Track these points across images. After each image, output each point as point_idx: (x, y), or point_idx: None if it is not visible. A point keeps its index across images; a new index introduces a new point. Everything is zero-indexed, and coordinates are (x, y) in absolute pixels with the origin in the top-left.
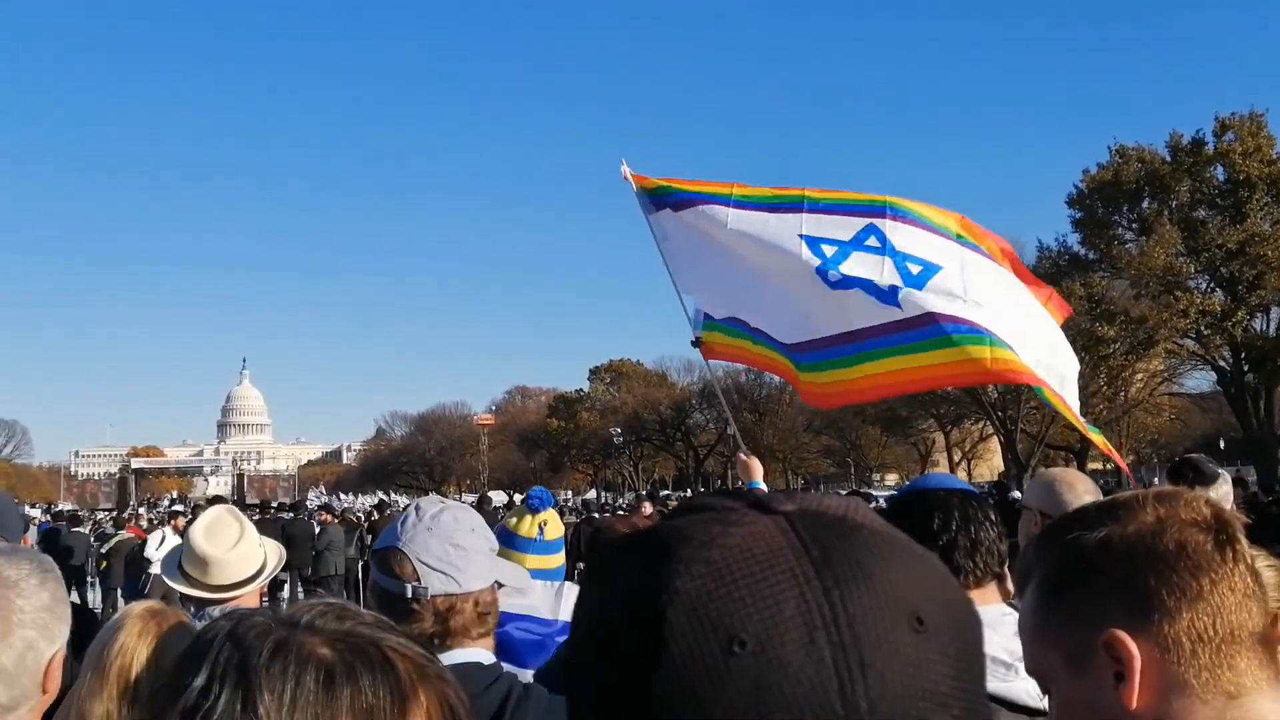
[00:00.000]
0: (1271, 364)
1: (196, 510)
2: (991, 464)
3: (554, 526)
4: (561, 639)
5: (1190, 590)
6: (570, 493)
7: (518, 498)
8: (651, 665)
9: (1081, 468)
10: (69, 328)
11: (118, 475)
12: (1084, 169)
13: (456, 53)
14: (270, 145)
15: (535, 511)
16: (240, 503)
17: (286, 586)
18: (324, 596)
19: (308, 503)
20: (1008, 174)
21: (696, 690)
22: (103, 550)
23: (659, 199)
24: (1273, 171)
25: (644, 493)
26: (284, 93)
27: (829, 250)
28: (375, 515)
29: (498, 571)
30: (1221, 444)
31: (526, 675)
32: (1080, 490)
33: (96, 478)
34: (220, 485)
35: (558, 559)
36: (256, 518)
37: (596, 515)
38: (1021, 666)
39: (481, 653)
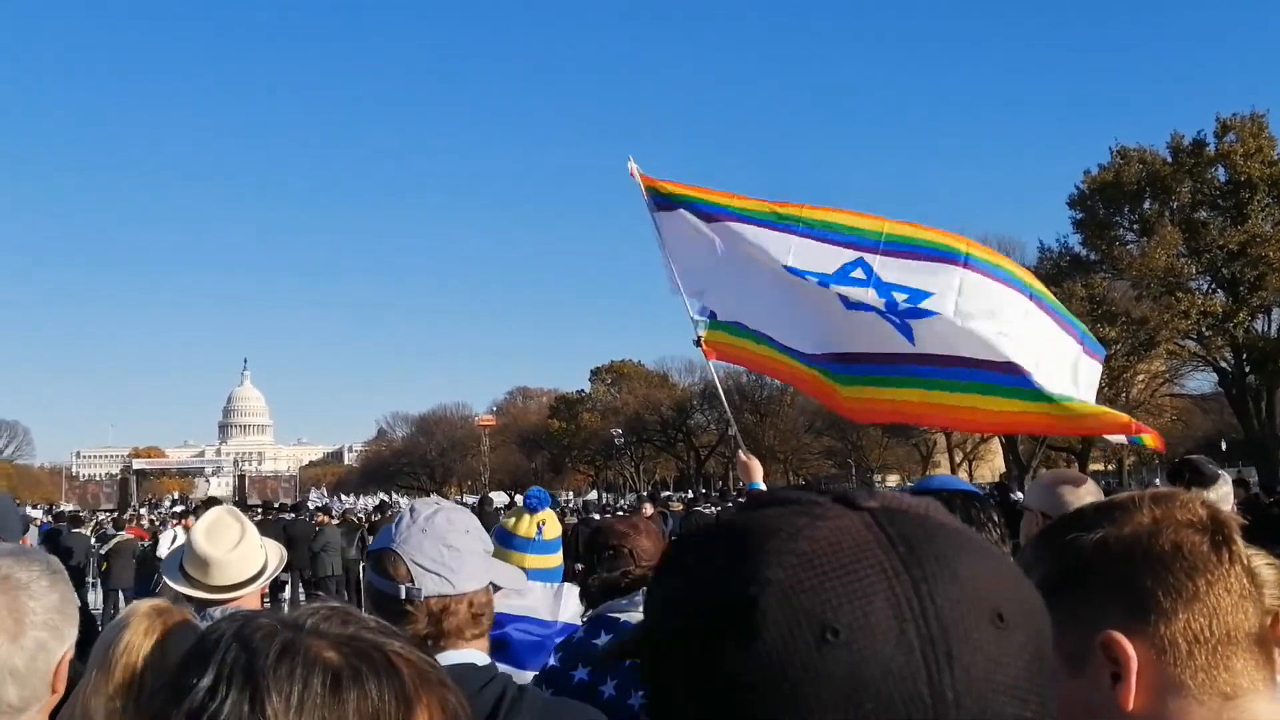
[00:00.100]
0: (1273, 365)
1: (197, 511)
2: (993, 465)
3: (552, 526)
4: (560, 639)
5: (1186, 591)
6: (571, 493)
7: (519, 499)
8: (745, 652)
9: (1083, 469)
10: (70, 328)
11: (119, 476)
12: (1085, 170)
13: (456, 53)
14: (271, 145)
15: (533, 511)
16: (241, 503)
17: (288, 587)
18: (325, 599)
19: (309, 503)
20: (1008, 175)
21: (789, 677)
22: (102, 551)
23: (663, 200)
24: (1274, 172)
25: (645, 494)
26: (284, 92)
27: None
28: (376, 516)
29: (493, 573)
30: (1223, 445)
31: (526, 676)
32: (1082, 491)
33: (98, 478)
34: (222, 486)
35: (556, 559)
36: (258, 518)
37: (595, 516)
38: None
39: (476, 654)
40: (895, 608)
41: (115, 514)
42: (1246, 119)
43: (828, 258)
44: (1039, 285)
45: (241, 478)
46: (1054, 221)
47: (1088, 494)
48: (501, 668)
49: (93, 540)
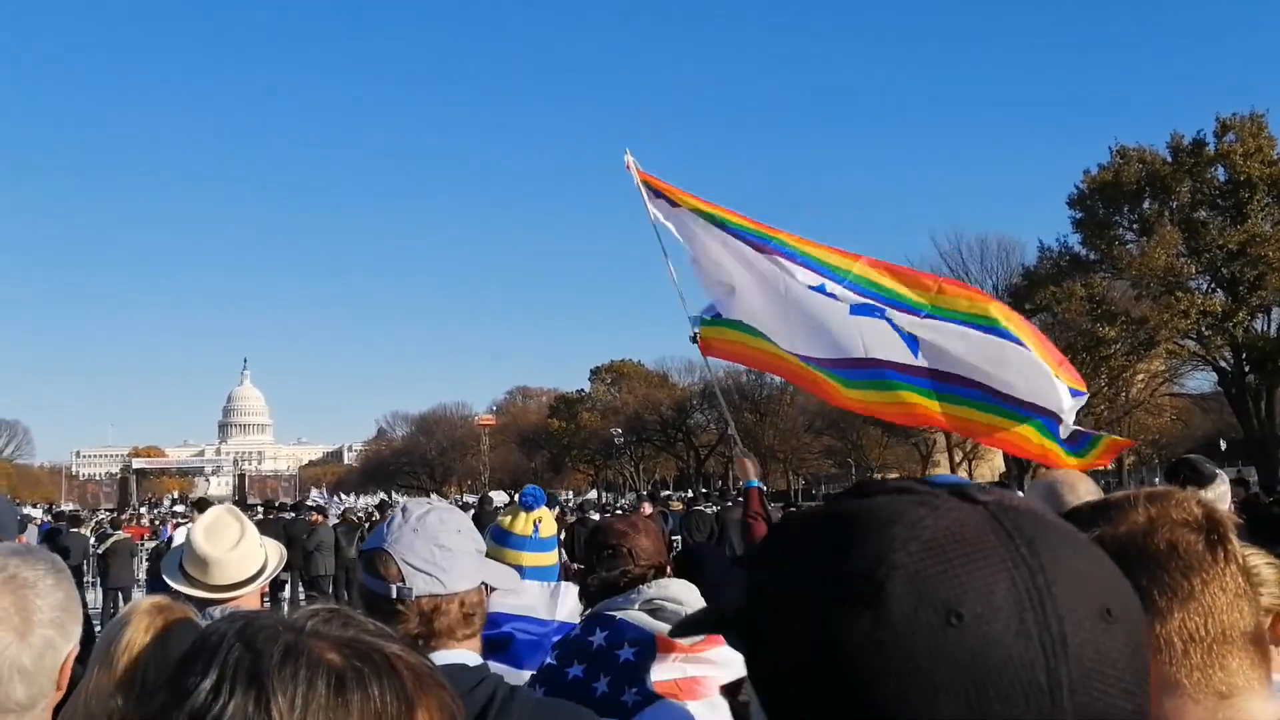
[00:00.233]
0: (1272, 364)
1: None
2: (992, 464)
3: (548, 524)
4: (558, 638)
5: (1182, 590)
6: (571, 493)
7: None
8: (871, 631)
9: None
10: (70, 328)
11: (119, 476)
12: (1084, 169)
13: (456, 52)
14: (271, 146)
15: (529, 509)
16: (241, 503)
17: (287, 587)
18: (320, 600)
19: (309, 503)
20: (1008, 174)
21: (915, 658)
22: (99, 551)
23: (659, 197)
24: (1273, 172)
25: (645, 493)
26: (284, 92)
27: None
28: (376, 515)
29: (485, 573)
30: (1222, 444)
31: (523, 675)
32: (1081, 491)
33: (98, 478)
34: (221, 485)
35: (552, 556)
36: (258, 518)
37: (594, 515)
38: None
39: (467, 654)
40: (1015, 597)
41: (114, 514)
42: (1246, 119)
43: (811, 279)
44: (1015, 325)
45: (241, 477)
46: (1053, 221)
47: (1085, 493)
48: (499, 667)
49: (92, 540)
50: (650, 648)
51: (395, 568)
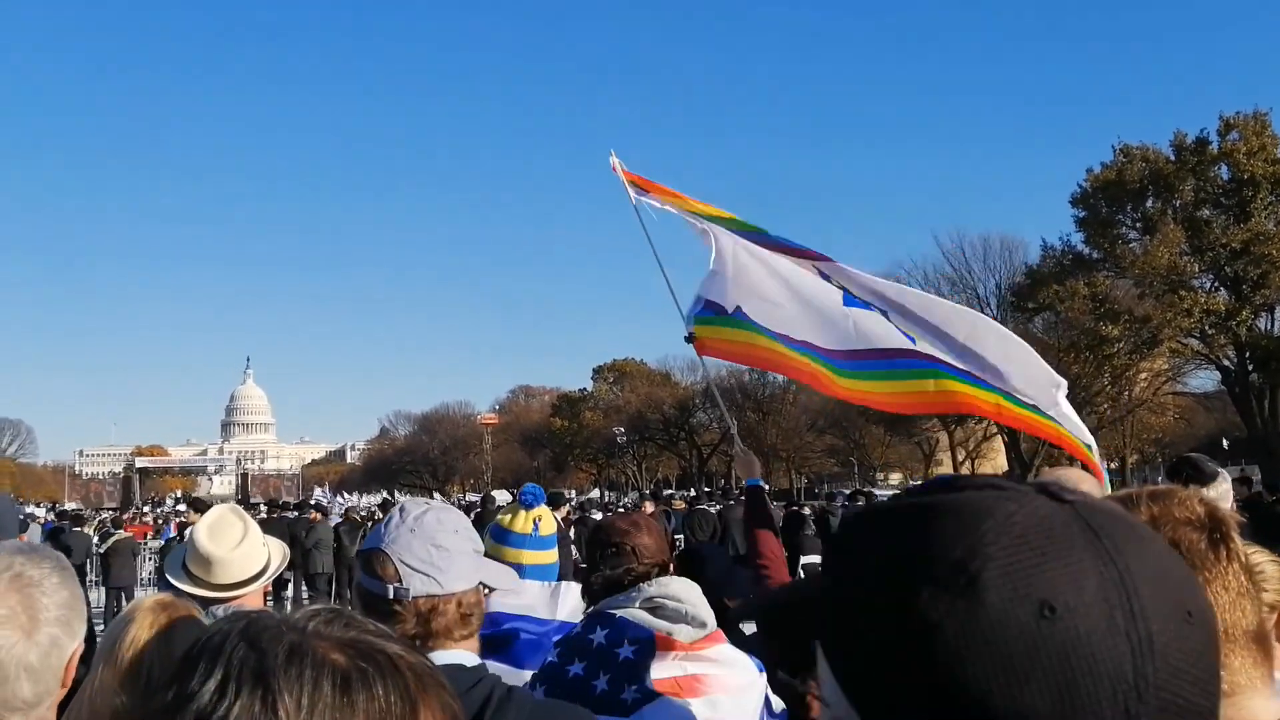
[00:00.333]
0: (1276, 363)
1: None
2: (995, 463)
3: (548, 522)
4: (558, 637)
5: None
6: (574, 492)
7: None
8: (965, 621)
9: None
10: (74, 327)
11: (122, 475)
12: (1088, 168)
13: (462, 47)
14: (273, 143)
15: (529, 507)
16: (244, 502)
17: (290, 586)
18: (318, 600)
19: (311, 502)
20: (1011, 173)
21: (1007, 648)
22: (101, 550)
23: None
24: (1277, 170)
25: (647, 492)
26: (289, 89)
27: None
28: (378, 515)
29: (483, 573)
30: (1225, 443)
31: (524, 675)
32: (1083, 488)
33: (101, 477)
34: (224, 484)
35: (552, 554)
36: (261, 517)
37: (596, 514)
38: None
39: (464, 654)
40: (1104, 593)
41: (117, 513)
42: (1249, 117)
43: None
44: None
45: (244, 476)
46: (1057, 220)
47: (1088, 491)
48: (500, 667)
49: (94, 539)
50: (650, 646)
51: (392, 568)
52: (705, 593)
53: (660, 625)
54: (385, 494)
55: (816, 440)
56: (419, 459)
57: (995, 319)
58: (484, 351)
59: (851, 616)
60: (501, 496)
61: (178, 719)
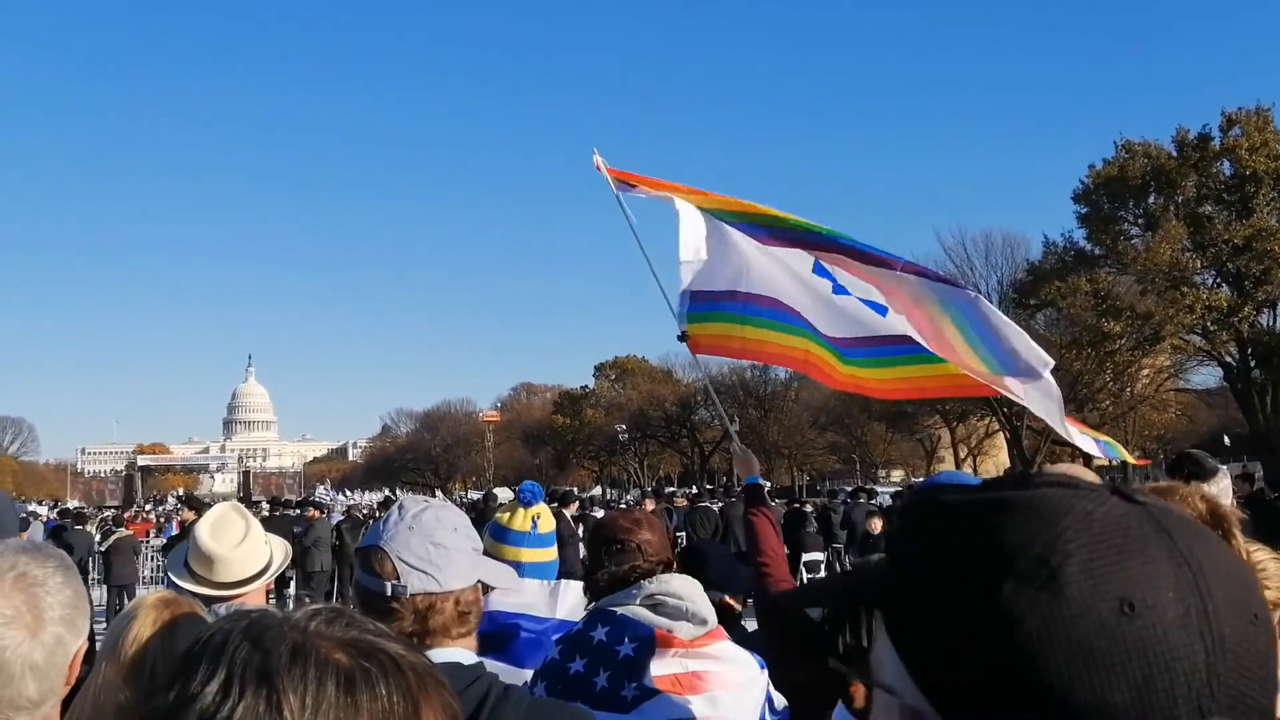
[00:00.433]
0: (1278, 359)
1: (203, 509)
2: (997, 460)
3: (546, 520)
4: (557, 635)
5: None
6: (576, 489)
7: None
8: (1047, 614)
9: (1086, 463)
10: (75, 325)
11: (124, 473)
12: (1090, 164)
13: (464, 46)
14: (274, 141)
15: (527, 505)
16: (246, 500)
17: (293, 584)
18: (316, 598)
19: (314, 499)
20: (1013, 169)
21: (1088, 641)
22: (102, 548)
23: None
24: (1279, 166)
25: (649, 489)
26: (290, 88)
27: None
28: (380, 513)
29: (481, 571)
30: (1226, 440)
31: (524, 674)
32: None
33: (103, 475)
34: (226, 482)
35: (551, 552)
36: (263, 515)
37: (598, 511)
38: None
39: (462, 653)
40: (1180, 593)
41: (118, 511)
42: (1252, 113)
43: (805, 257)
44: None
45: (246, 474)
46: (1058, 216)
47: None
48: (499, 666)
49: (96, 537)
50: (649, 643)
51: (390, 565)
52: (706, 590)
53: (660, 622)
54: (387, 492)
55: (818, 437)
56: (421, 456)
57: None
58: (486, 349)
59: (927, 608)
60: (503, 494)
61: (181, 719)
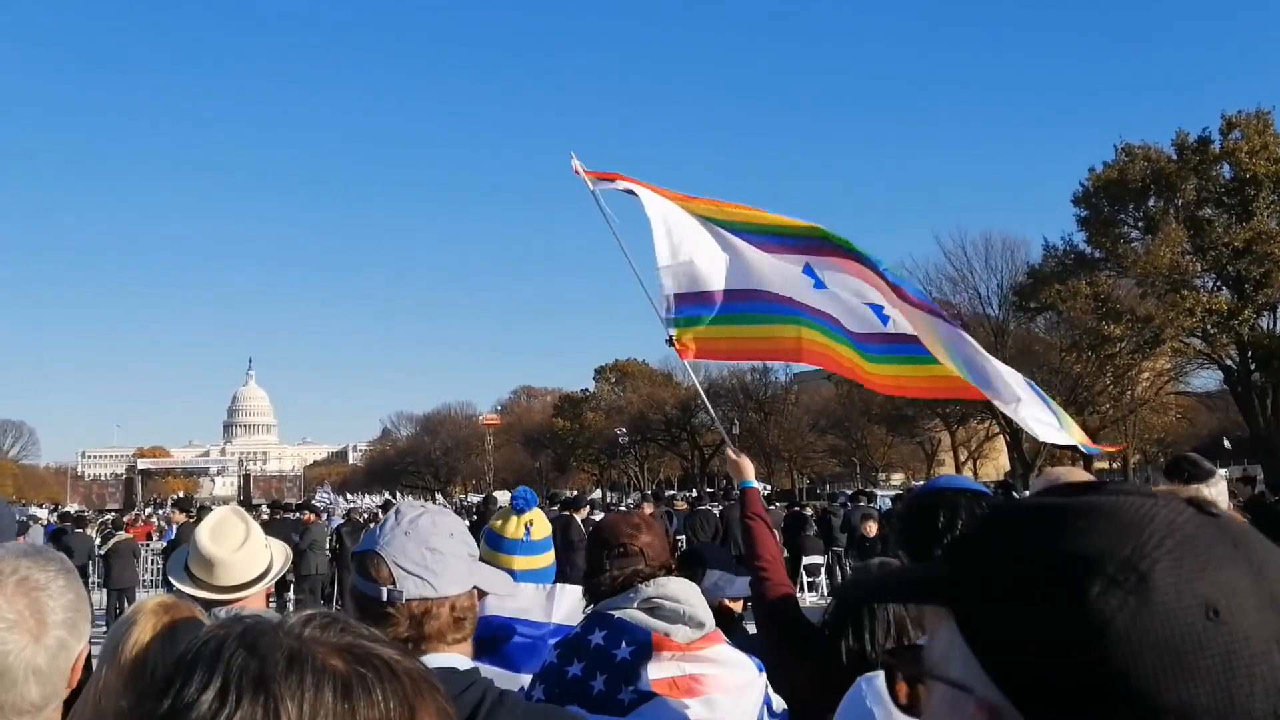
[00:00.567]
0: (1278, 362)
1: (201, 511)
2: (997, 463)
3: (540, 526)
4: (554, 640)
5: None
6: (576, 492)
7: None
8: (1136, 617)
9: (1087, 466)
10: (76, 328)
11: (124, 476)
12: (1090, 167)
13: (465, 46)
14: (275, 143)
15: (520, 512)
16: (246, 503)
17: (293, 587)
18: (309, 602)
19: (314, 502)
20: (1013, 171)
21: (1174, 645)
22: (102, 551)
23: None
24: (1279, 169)
25: (649, 492)
26: (291, 86)
27: None
28: (380, 515)
29: (477, 577)
30: (1226, 443)
31: (521, 679)
32: None
33: (103, 478)
34: (227, 486)
35: (545, 559)
36: (264, 518)
37: (597, 514)
38: None
39: (457, 658)
40: (1258, 601)
41: (118, 514)
42: (1252, 116)
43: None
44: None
45: (246, 478)
46: (1059, 219)
47: None
48: (495, 671)
49: (96, 540)
50: (646, 647)
51: (386, 570)
52: (705, 594)
53: (657, 626)
54: (387, 495)
55: (818, 440)
56: (421, 460)
57: (997, 319)
58: (486, 352)
59: (1011, 609)
60: (503, 497)
61: None
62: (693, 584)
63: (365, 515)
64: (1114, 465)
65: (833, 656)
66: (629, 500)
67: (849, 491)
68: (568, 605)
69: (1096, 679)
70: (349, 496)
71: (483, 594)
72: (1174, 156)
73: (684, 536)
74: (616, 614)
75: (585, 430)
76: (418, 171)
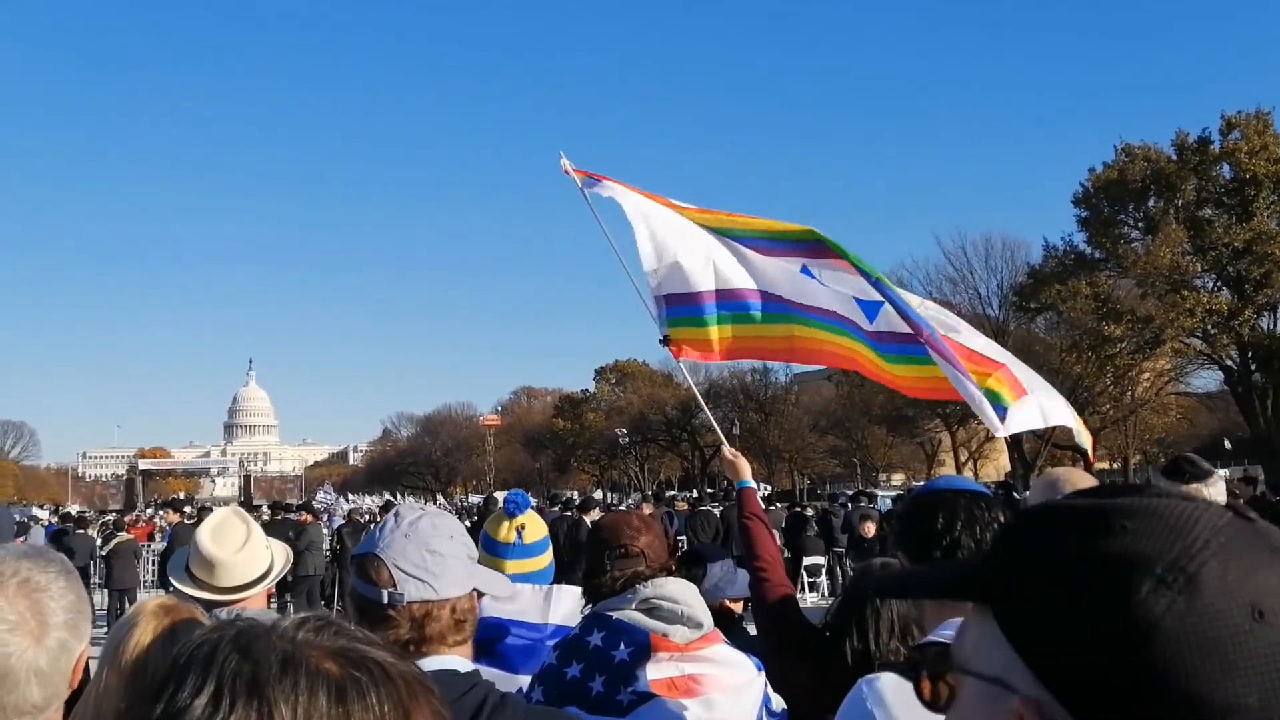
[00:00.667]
0: (1278, 363)
1: (202, 512)
2: (998, 464)
3: (534, 529)
4: (552, 642)
5: None
6: (576, 493)
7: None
8: (1181, 617)
9: (1087, 467)
10: (76, 329)
11: (125, 477)
12: (1090, 168)
13: (465, 46)
14: (275, 143)
15: (511, 516)
16: (247, 504)
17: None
18: (304, 605)
19: (315, 502)
20: (1013, 171)
21: (1220, 645)
22: (103, 552)
23: (597, 183)
24: (1279, 170)
25: (649, 493)
26: (291, 86)
27: None
28: (381, 516)
29: (476, 579)
30: (1226, 443)
31: (519, 681)
32: (1083, 489)
33: (104, 479)
34: (227, 486)
35: (540, 561)
36: (264, 519)
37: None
38: None
39: (458, 660)
40: None
41: (119, 515)
42: (1252, 116)
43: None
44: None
45: (247, 478)
46: (1058, 219)
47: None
48: (494, 673)
49: (97, 541)
50: (645, 648)
51: (387, 573)
52: (704, 594)
53: (656, 626)
54: (388, 496)
55: (819, 441)
56: (421, 460)
57: (997, 319)
58: (486, 353)
59: (1057, 607)
60: (504, 498)
61: None
62: (690, 584)
63: (366, 516)
64: (1114, 465)
65: (835, 657)
66: (629, 501)
67: (849, 492)
68: (566, 606)
69: (1144, 677)
70: (350, 497)
71: (481, 595)
72: (1174, 157)
73: (684, 537)
74: (615, 615)
75: (586, 431)
76: (418, 171)
